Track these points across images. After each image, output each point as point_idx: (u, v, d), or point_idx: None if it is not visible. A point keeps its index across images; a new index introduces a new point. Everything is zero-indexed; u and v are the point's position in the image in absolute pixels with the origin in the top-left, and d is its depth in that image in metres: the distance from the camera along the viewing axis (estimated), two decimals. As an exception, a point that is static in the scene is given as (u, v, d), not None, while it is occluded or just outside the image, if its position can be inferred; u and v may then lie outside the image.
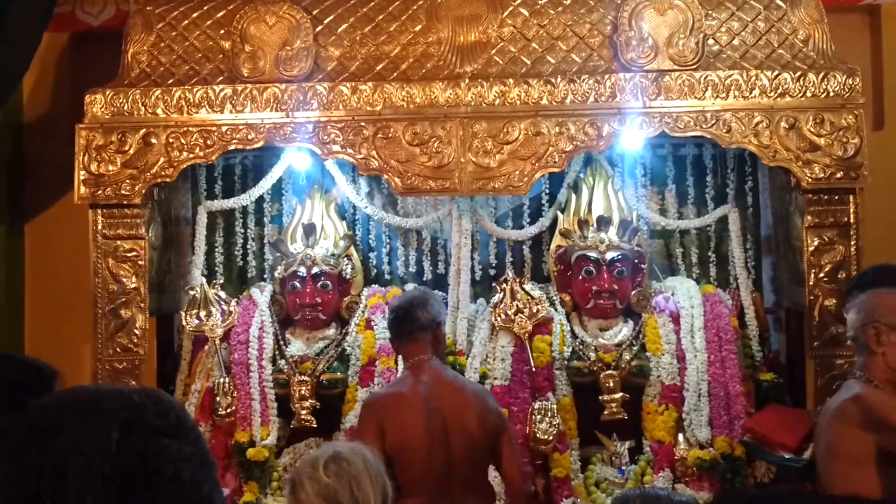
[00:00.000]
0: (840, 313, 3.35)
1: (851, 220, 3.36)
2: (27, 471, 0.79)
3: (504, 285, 3.66)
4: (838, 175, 3.33)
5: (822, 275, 3.37)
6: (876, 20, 4.07)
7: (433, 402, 2.79)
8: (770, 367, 3.65)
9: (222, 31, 3.58)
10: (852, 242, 3.36)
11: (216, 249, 3.99)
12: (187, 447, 0.84)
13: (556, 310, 3.68)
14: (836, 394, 2.69)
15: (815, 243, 3.37)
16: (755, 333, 3.65)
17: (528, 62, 3.49)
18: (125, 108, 3.50)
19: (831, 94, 3.34)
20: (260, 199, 3.96)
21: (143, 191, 3.48)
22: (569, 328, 3.66)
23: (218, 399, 3.61)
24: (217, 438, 3.60)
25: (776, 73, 3.37)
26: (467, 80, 3.44)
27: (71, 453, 0.79)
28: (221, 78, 3.53)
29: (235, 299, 3.78)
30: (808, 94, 3.35)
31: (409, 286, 3.90)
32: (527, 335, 3.58)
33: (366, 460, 2.01)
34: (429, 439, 2.75)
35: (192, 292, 3.71)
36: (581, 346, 3.62)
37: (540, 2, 3.56)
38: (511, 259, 3.89)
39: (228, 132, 3.46)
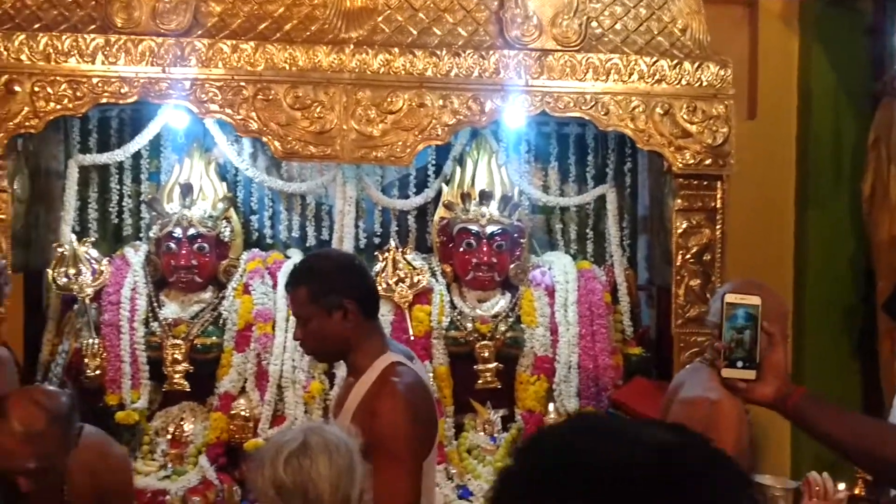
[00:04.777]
0: (703, 294, 3.51)
1: (718, 206, 3.49)
2: None
3: (386, 254, 3.68)
4: (707, 162, 3.45)
5: (688, 256, 3.50)
6: (754, 14, 4.19)
7: None
8: (639, 342, 3.79)
9: (95, -23, 3.40)
10: (717, 227, 3.50)
11: (89, 205, 3.83)
12: None
13: (437, 280, 3.72)
14: (690, 375, 2.67)
15: (684, 226, 3.49)
16: (627, 309, 3.78)
17: (415, 32, 3.46)
18: (-16, 51, 3.30)
19: (704, 83, 3.45)
20: (137, 155, 3.81)
21: (5, 141, 3.28)
22: (448, 299, 3.70)
23: (86, 360, 3.51)
24: (84, 401, 3.50)
25: (654, 59, 3.45)
26: (352, 46, 3.38)
27: None
28: (93, 27, 3.34)
29: (108, 258, 3.66)
30: (683, 83, 3.44)
31: (292, 251, 3.87)
32: (407, 304, 3.61)
33: (331, 458, 1.86)
34: None
35: (60, 249, 3.56)
36: (459, 317, 3.68)
37: (429, -28, 3.52)
38: (396, 228, 3.89)
39: (100, 84, 3.30)
